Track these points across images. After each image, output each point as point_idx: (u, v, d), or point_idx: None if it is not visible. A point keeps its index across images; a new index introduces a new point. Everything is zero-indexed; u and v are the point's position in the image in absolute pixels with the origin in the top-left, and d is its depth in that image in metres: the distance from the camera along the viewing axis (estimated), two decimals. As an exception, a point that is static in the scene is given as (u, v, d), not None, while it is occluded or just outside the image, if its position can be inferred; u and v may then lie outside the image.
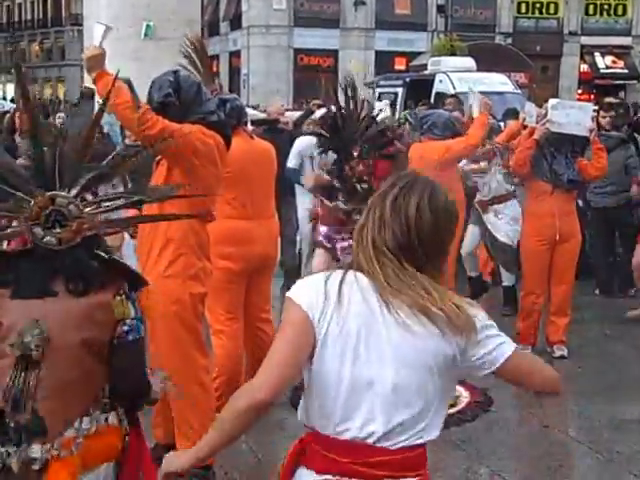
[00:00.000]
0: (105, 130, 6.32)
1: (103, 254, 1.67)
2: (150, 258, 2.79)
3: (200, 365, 2.81)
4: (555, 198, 4.32)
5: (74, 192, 1.64)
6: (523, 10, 23.60)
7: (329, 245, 4.23)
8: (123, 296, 1.65)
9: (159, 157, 2.78)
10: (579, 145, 4.41)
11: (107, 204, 1.68)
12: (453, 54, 16.13)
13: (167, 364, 2.76)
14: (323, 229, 4.25)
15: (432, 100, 10.90)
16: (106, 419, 1.66)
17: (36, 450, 1.56)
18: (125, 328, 1.65)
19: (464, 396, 3.70)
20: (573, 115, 4.31)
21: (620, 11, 23.81)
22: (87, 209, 1.64)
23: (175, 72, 2.77)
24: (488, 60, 14.14)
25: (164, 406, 2.89)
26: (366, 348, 1.39)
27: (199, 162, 2.68)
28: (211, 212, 2.80)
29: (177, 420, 2.83)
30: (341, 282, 1.41)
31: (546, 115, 4.37)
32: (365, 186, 4.60)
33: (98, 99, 2.82)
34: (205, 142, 2.70)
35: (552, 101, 4.48)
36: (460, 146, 4.12)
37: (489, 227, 5.06)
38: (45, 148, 1.65)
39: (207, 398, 2.82)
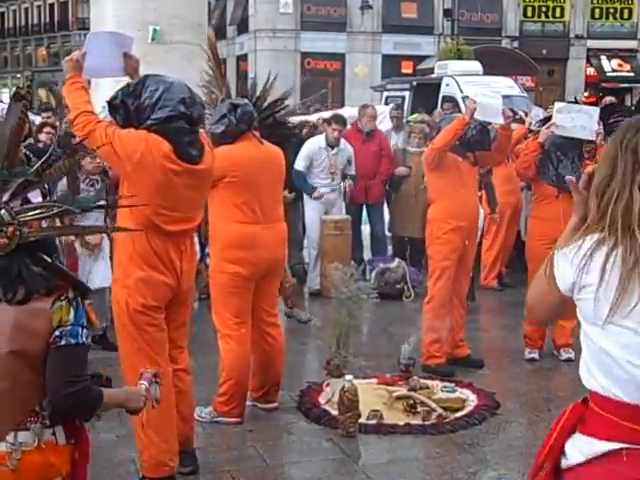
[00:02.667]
0: None
1: (47, 259, 1.59)
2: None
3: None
4: (561, 202, 4.30)
5: (5, 198, 1.58)
6: (529, 14, 23.57)
7: None
8: (64, 301, 1.58)
9: None
10: (586, 149, 4.38)
11: (37, 212, 1.61)
12: (460, 58, 16.11)
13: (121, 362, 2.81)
14: None
15: (439, 103, 10.93)
16: (53, 433, 1.58)
17: None
18: (57, 333, 1.56)
19: (471, 400, 3.70)
20: (579, 119, 4.28)
21: (626, 15, 23.75)
22: (20, 215, 1.58)
23: (145, 76, 2.72)
24: (494, 64, 14.14)
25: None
26: None
27: (131, 168, 2.64)
28: (154, 222, 2.68)
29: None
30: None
31: (551, 118, 4.36)
32: None
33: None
34: (134, 147, 2.62)
35: (558, 105, 4.46)
36: (427, 151, 4.14)
37: None
38: None
39: (150, 410, 2.73)
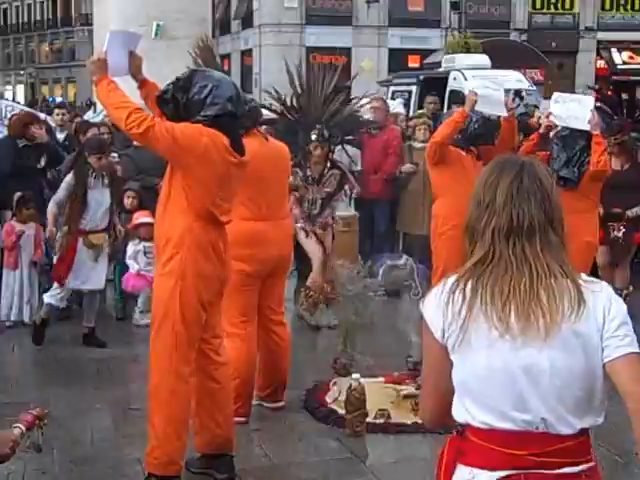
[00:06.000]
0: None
1: None
2: (156, 256, 2.84)
3: (175, 372, 2.71)
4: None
5: None
6: (538, 6, 23.37)
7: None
8: None
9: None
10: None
11: None
12: (467, 51, 15.99)
13: (150, 360, 2.77)
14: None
15: (446, 98, 10.85)
16: None
17: None
18: None
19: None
20: (572, 108, 4.24)
21: (637, 6, 23.49)
22: None
23: (194, 71, 2.77)
24: (503, 57, 14.01)
25: (200, 410, 2.84)
26: None
27: (194, 160, 2.65)
28: (213, 213, 2.71)
29: (148, 416, 2.81)
30: None
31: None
32: (335, 171, 4.65)
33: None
34: (197, 139, 2.64)
35: (555, 94, 4.44)
36: (428, 146, 4.10)
37: None
38: None
39: (175, 407, 2.72)
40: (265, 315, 3.47)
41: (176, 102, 2.68)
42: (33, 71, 40.71)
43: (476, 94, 4.01)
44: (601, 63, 23.23)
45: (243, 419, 3.37)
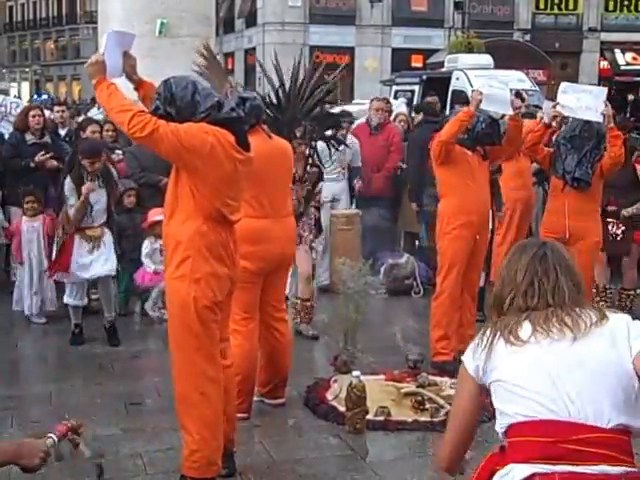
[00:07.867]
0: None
1: None
2: (166, 259, 2.81)
3: (202, 373, 2.69)
4: (566, 195, 4.25)
5: None
6: (542, 6, 23.34)
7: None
8: None
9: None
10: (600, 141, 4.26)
11: None
12: (470, 51, 15.99)
13: (173, 366, 2.74)
14: None
15: (449, 98, 10.85)
16: None
17: None
18: None
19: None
20: (584, 99, 4.16)
21: (641, 7, 23.46)
22: None
23: (165, 81, 2.69)
24: (506, 57, 14.03)
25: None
26: None
27: (201, 161, 2.61)
28: (222, 213, 2.69)
29: (179, 423, 2.79)
30: None
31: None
32: (315, 169, 4.58)
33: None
34: (203, 139, 2.61)
35: (563, 85, 4.37)
36: (434, 145, 4.08)
37: None
38: None
39: (207, 408, 2.69)
40: (267, 312, 3.48)
41: (168, 115, 2.64)
42: (38, 68, 40.73)
43: (481, 93, 3.99)
44: (604, 64, 23.19)
45: (244, 415, 3.38)
